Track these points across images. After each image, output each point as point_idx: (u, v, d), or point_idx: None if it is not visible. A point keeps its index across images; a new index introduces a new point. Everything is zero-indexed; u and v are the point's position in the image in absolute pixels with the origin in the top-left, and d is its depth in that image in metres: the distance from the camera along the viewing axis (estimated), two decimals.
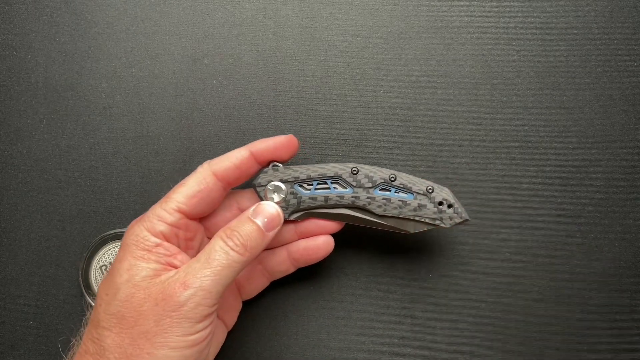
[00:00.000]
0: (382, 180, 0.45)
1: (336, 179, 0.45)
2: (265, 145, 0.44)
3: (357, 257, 0.50)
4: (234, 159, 0.43)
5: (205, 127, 0.50)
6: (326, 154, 0.50)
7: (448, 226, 0.45)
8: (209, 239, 0.46)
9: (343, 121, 0.50)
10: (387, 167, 0.50)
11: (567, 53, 0.50)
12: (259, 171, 0.45)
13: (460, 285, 0.50)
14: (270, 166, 0.45)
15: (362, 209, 0.45)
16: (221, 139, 0.49)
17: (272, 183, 0.45)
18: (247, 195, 0.47)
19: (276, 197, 0.45)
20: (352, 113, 0.50)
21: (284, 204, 0.45)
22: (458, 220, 0.45)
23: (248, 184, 0.47)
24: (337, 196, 0.45)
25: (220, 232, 0.41)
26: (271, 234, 0.43)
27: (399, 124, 0.50)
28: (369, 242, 0.50)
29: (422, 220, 0.45)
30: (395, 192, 0.45)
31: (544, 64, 0.50)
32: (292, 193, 0.45)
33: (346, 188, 0.45)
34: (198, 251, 0.45)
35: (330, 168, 0.45)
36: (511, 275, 0.50)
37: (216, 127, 0.50)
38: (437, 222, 0.45)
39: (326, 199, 0.45)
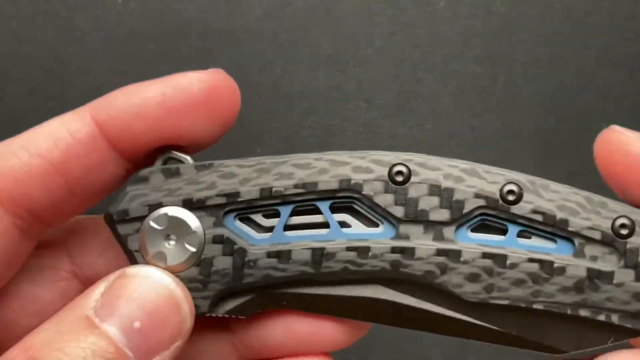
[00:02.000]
0: (480, 205, 0.20)
1: (347, 200, 0.21)
2: (139, 102, 0.21)
3: None
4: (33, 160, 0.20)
5: None
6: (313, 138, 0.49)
7: None
8: None
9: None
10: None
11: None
12: (130, 178, 0.22)
13: None
14: (158, 161, 0.21)
15: (423, 288, 0.20)
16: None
17: (162, 212, 0.20)
18: (92, 242, 0.23)
19: (172, 254, 0.20)
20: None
21: (196, 274, 0.20)
22: None
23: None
24: (350, 248, 0.20)
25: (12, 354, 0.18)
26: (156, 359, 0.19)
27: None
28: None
29: (601, 320, 0.20)
30: (525, 232, 0.21)
31: None
32: (218, 240, 0.21)
33: (377, 225, 0.21)
34: None
35: (327, 167, 0.20)
36: None
37: None
38: None
39: (319, 256, 0.20)
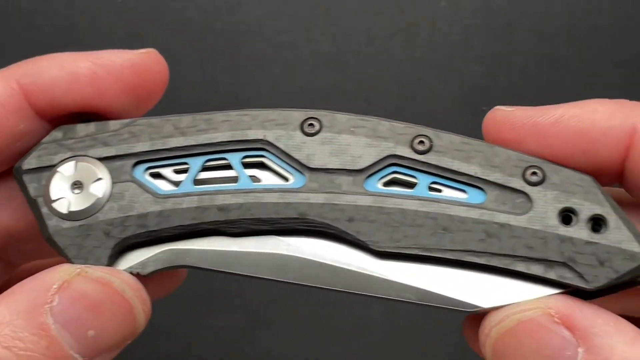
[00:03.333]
0: (390, 154, 0.20)
1: (259, 152, 0.21)
2: (69, 78, 0.21)
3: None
4: None
5: None
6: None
7: (598, 286, 0.19)
8: None
9: None
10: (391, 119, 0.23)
11: None
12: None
13: None
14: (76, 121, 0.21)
15: (331, 238, 0.20)
16: None
17: (70, 161, 0.21)
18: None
19: (76, 200, 0.20)
20: None
21: (97, 222, 0.20)
22: (630, 267, 0.19)
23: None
24: (257, 202, 0.20)
25: None
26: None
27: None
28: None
29: (518, 270, 0.20)
30: (436, 184, 0.21)
31: None
32: (123, 189, 0.21)
33: (287, 179, 0.21)
34: None
35: (239, 119, 0.21)
36: None
37: None
38: (569, 278, 0.19)
39: (225, 208, 0.20)
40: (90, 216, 0.20)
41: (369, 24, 0.50)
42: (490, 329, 0.20)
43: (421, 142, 0.20)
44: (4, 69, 0.21)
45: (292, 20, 0.50)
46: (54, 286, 0.19)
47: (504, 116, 0.21)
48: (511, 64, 0.50)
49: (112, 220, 0.20)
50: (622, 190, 0.22)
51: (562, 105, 0.21)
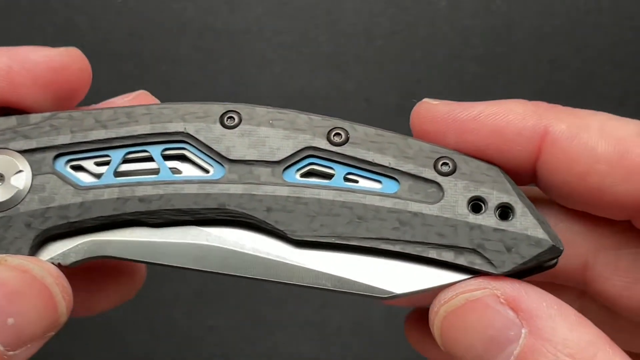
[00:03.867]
0: (307, 145, 0.21)
1: (179, 144, 0.21)
2: None
3: None
4: None
5: None
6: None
7: (505, 271, 0.20)
8: None
9: None
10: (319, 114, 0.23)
11: None
12: None
13: None
14: None
15: (250, 227, 0.21)
16: None
17: None
18: None
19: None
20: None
21: (18, 213, 0.20)
22: (535, 253, 0.20)
23: None
24: (177, 193, 0.20)
25: None
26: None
27: None
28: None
29: (430, 257, 0.20)
30: (352, 175, 0.21)
31: None
32: (44, 181, 0.21)
33: (207, 171, 0.21)
34: None
35: (157, 114, 0.21)
36: None
37: None
38: (478, 264, 0.20)
39: (145, 199, 0.20)
40: (11, 208, 0.20)
41: (369, 24, 0.50)
42: (439, 307, 0.20)
43: (337, 134, 0.21)
44: None
45: (292, 20, 0.50)
46: None
47: (428, 109, 0.22)
48: (511, 64, 0.50)
49: (33, 211, 0.20)
50: (537, 189, 0.23)
51: (482, 102, 0.22)
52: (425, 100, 0.22)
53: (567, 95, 0.50)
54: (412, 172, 0.21)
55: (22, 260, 0.20)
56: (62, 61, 0.22)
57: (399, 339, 0.50)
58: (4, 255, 0.20)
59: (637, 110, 0.50)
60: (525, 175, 0.22)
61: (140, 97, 0.23)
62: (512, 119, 0.21)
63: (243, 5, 0.50)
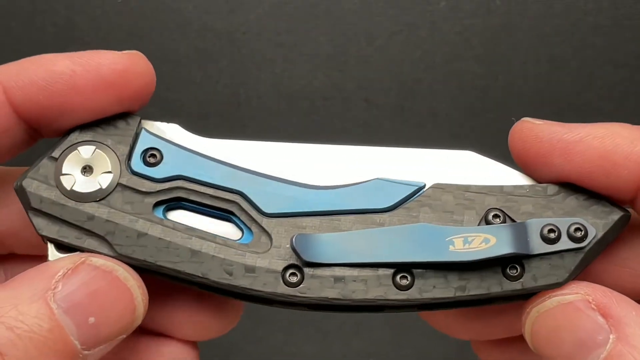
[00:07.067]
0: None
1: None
2: (48, 77, 0.21)
3: None
4: None
5: None
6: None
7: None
8: None
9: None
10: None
11: None
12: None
13: None
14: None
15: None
16: None
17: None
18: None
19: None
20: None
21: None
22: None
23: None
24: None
25: None
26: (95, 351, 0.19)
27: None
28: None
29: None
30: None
31: None
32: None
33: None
34: None
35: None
36: None
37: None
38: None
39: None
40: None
41: (369, 24, 0.50)
42: (531, 307, 0.21)
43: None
44: None
45: (292, 20, 0.50)
46: (59, 274, 0.19)
47: (531, 129, 0.22)
48: (511, 64, 0.50)
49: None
50: (632, 211, 0.23)
51: (587, 124, 0.22)
52: (526, 119, 0.22)
53: (567, 95, 0.50)
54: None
55: (106, 261, 0.20)
56: (125, 64, 0.22)
57: (399, 339, 0.50)
58: (88, 255, 0.20)
59: (637, 110, 0.50)
60: (625, 198, 0.22)
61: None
62: (619, 142, 0.21)
63: (243, 5, 0.50)
